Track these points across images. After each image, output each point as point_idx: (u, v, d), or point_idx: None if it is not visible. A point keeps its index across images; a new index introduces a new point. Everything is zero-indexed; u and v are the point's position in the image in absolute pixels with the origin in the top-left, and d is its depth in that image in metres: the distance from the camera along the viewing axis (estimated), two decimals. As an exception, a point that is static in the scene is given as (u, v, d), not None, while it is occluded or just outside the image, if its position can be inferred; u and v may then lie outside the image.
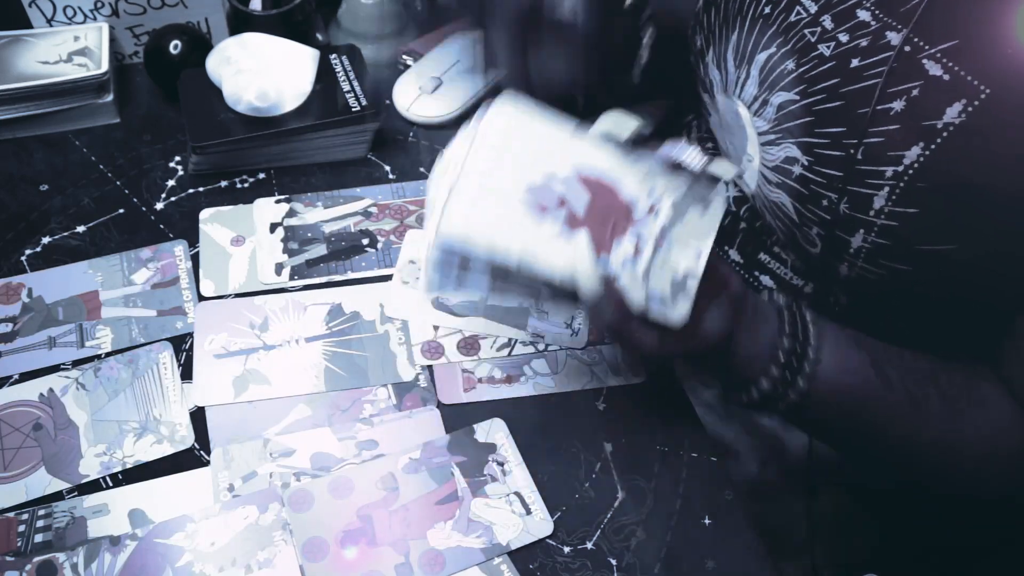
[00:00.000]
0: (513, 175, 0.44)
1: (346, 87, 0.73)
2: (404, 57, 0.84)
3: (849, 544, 0.67)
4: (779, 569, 0.58)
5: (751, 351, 0.50)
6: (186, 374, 0.58)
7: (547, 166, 0.45)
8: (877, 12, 0.51)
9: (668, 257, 0.43)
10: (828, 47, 0.53)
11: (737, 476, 0.66)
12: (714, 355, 0.49)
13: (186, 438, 0.55)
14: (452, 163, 0.45)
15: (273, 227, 0.68)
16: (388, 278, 0.65)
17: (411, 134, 0.78)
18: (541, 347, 0.62)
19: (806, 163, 0.54)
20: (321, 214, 0.69)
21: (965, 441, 0.53)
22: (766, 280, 0.64)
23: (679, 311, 0.44)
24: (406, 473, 0.54)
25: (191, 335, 0.60)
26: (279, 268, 0.65)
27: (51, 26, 0.76)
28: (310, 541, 0.51)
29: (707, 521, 0.55)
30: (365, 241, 0.68)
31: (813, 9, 0.54)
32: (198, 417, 0.56)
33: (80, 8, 0.76)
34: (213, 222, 0.68)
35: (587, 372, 0.61)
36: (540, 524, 0.53)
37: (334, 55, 0.75)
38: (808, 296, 0.62)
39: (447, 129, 0.78)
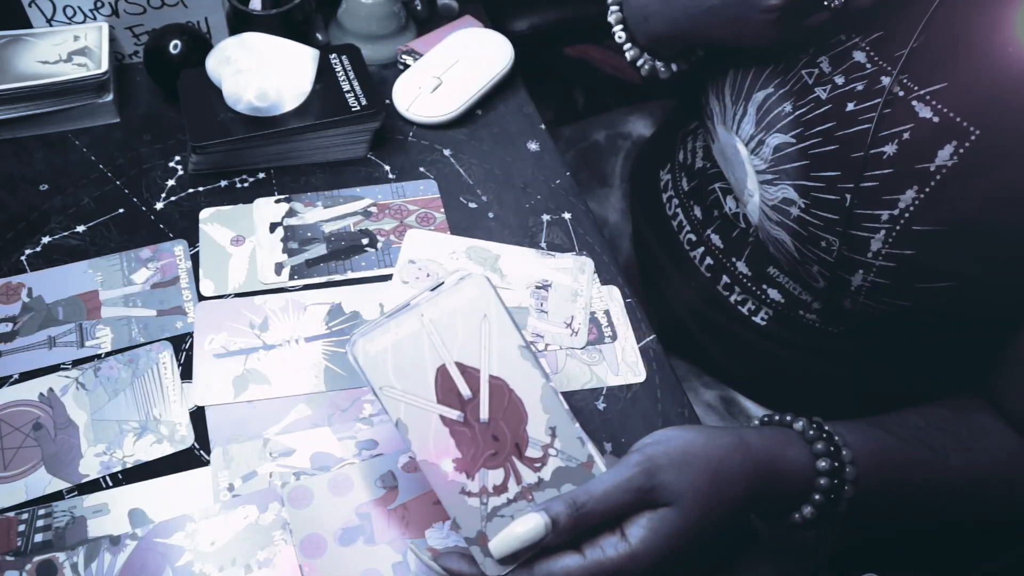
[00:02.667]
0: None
1: (346, 87, 0.73)
2: (404, 57, 0.84)
3: (849, 544, 0.67)
4: (780, 569, 0.58)
5: (787, 485, 0.48)
6: (186, 374, 0.58)
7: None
8: (872, 54, 0.50)
9: None
10: (825, 90, 0.52)
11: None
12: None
13: (186, 438, 0.55)
14: None
15: (273, 227, 0.68)
16: (388, 278, 0.65)
17: (411, 134, 0.78)
18: (541, 347, 0.62)
19: (803, 205, 0.54)
20: (321, 214, 0.69)
21: (986, 471, 0.52)
22: (774, 294, 0.63)
23: None
24: (405, 472, 0.54)
25: (191, 335, 0.60)
26: (279, 268, 0.65)
27: (51, 26, 0.76)
28: (308, 537, 0.51)
29: (707, 521, 0.55)
30: (365, 241, 0.68)
31: (811, 49, 0.54)
32: (198, 417, 0.56)
33: (80, 8, 0.76)
34: (213, 222, 0.68)
35: (587, 372, 0.61)
36: (540, 524, 0.53)
37: (334, 55, 0.76)
38: (817, 311, 0.62)
39: (447, 129, 0.78)
